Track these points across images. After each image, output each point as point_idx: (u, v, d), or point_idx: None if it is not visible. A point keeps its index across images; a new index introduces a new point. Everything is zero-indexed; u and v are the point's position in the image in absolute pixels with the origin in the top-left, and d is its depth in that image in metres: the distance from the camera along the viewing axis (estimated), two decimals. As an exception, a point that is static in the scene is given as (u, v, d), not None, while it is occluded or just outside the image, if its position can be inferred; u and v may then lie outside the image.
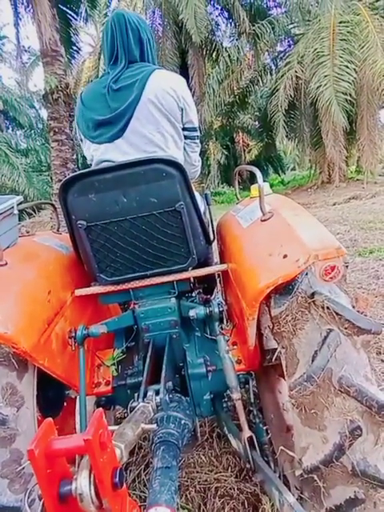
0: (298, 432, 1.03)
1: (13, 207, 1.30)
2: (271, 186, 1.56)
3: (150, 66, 1.34)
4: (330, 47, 8.86)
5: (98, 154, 1.37)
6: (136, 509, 0.72)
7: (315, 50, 9.08)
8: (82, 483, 0.61)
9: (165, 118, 1.32)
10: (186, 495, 1.44)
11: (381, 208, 6.54)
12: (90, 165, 1.46)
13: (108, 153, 1.34)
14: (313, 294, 0.98)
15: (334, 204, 8.51)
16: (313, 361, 0.96)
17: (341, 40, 8.86)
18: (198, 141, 1.55)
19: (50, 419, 0.65)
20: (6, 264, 1.17)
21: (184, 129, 1.44)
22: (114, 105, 1.29)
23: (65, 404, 1.53)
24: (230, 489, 1.44)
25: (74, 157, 6.80)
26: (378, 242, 4.46)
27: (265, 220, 1.18)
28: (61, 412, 1.49)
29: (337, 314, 0.95)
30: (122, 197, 1.18)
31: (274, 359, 1.37)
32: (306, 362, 0.98)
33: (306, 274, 0.98)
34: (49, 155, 15.21)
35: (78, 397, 1.42)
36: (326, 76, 8.76)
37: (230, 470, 1.53)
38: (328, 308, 0.96)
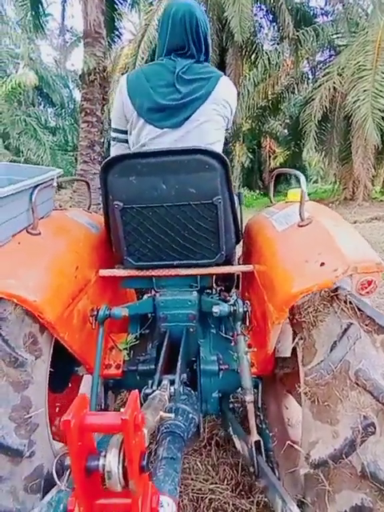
0: (308, 426, 1.00)
1: (53, 179, 1.32)
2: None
3: (216, 71, 1.40)
4: (373, 62, 8.65)
5: (151, 136, 1.35)
6: (156, 495, 0.72)
7: (358, 62, 8.89)
8: (112, 461, 0.61)
9: (221, 121, 1.40)
10: (179, 502, 1.41)
11: (404, 232, 6.39)
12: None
13: (165, 138, 1.34)
14: (336, 289, 0.97)
15: (355, 222, 8.31)
16: (331, 351, 0.94)
17: (386, 55, 8.66)
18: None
19: (85, 394, 0.66)
20: (40, 234, 1.19)
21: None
22: (184, 90, 1.30)
23: (72, 381, 1.54)
24: (225, 503, 1.38)
25: (102, 140, 6.82)
26: (399, 266, 4.34)
27: (303, 226, 1.15)
28: (66, 388, 1.50)
29: (359, 309, 0.94)
30: (161, 183, 1.18)
31: (283, 367, 1.39)
32: (325, 351, 0.96)
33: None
34: (76, 135, 15.31)
35: (84, 375, 1.46)
36: (365, 91, 8.57)
37: (226, 482, 1.48)
38: (350, 303, 0.95)
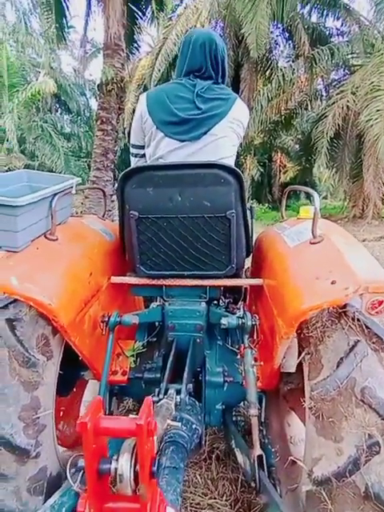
0: (312, 442, 0.98)
1: (72, 187, 1.36)
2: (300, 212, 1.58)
3: (233, 93, 1.48)
4: (387, 82, 8.72)
5: (169, 149, 1.39)
6: (164, 502, 0.73)
7: (372, 82, 8.94)
8: (124, 465, 0.62)
9: (235, 139, 1.46)
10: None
11: (413, 253, 6.32)
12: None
13: (184, 150, 1.38)
14: (345, 305, 0.97)
15: (364, 240, 8.25)
16: (337, 367, 0.94)
17: (400, 77, 8.70)
18: None
19: (100, 397, 0.67)
20: (57, 239, 1.23)
21: None
22: (204, 107, 1.36)
23: (78, 385, 1.56)
24: (224, 519, 1.34)
25: (115, 148, 6.95)
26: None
27: (315, 243, 1.16)
28: (71, 392, 1.52)
29: (367, 327, 0.94)
30: (177, 195, 1.21)
31: (289, 382, 1.37)
32: (331, 367, 0.96)
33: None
34: (90, 142, 15.56)
35: (89, 380, 1.46)
36: (378, 110, 8.59)
37: (224, 497, 1.46)
38: (358, 320, 0.95)
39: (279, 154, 18.24)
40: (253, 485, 1.15)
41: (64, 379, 1.29)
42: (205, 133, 1.36)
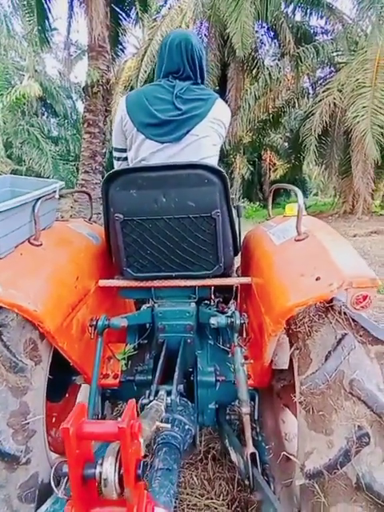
0: (303, 436, 0.99)
1: (55, 191, 1.35)
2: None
3: (213, 93, 1.48)
4: (372, 79, 8.80)
5: (151, 150, 1.38)
6: (151, 504, 0.73)
7: (357, 80, 9.04)
8: (108, 469, 0.62)
9: (216, 138, 1.45)
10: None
11: (403, 247, 6.39)
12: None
13: (165, 152, 1.38)
14: (331, 300, 0.99)
15: (355, 235, 8.34)
16: (326, 361, 0.96)
17: (384, 73, 8.80)
18: None
19: (83, 402, 0.68)
20: (41, 245, 1.22)
21: None
22: (184, 107, 1.35)
23: (70, 390, 1.55)
24: (221, 520, 1.33)
25: (103, 150, 6.88)
26: (398, 281, 4.33)
27: (299, 240, 1.17)
28: (63, 397, 1.51)
29: (353, 320, 0.96)
30: (162, 196, 1.21)
31: (281, 379, 1.38)
32: (319, 361, 0.98)
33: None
34: (78, 146, 15.45)
35: (82, 385, 1.46)
36: (364, 107, 8.69)
37: (221, 497, 1.44)
38: (345, 314, 0.97)
39: (269, 152, 18.33)
40: (246, 483, 1.15)
41: (55, 384, 1.27)
42: (186, 133, 1.36)
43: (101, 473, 0.63)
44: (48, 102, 18.75)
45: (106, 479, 0.62)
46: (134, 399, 0.68)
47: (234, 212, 1.60)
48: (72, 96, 20.37)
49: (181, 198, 1.21)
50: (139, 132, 1.39)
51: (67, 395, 1.54)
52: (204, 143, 1.40)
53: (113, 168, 1.38)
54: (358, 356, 0.94)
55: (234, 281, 1.53)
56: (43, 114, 19.80)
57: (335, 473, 0.89)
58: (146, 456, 1.58)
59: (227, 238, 1.35)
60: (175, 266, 1.33)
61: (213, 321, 1.30)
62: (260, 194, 18.62)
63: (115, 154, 1.61)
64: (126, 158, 1.55)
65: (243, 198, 18.15)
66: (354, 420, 0.89)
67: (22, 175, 16.09)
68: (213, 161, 1.46)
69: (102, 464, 0.63)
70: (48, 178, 15.10)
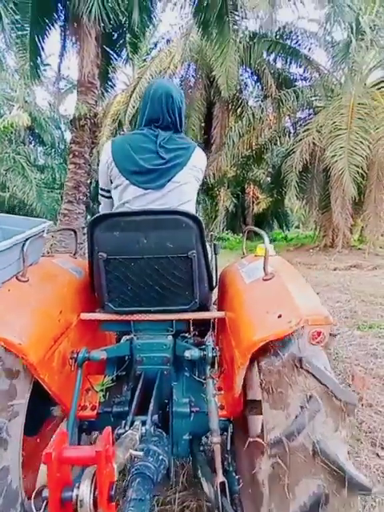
0: (267, 418, 1.09)
1: (43, 231, 1.45)
2: (274, 240, 1.76)
3: (192, 142, 1.61)
4: (347, 123, 9.34)
5: (135, 195, 1.48)
6: None
7: (334, 122, 9.59)
8: (84, 491, 0.66)
9: (195, 183, 1.58)
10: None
11: (382, 282, 6.51)
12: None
13: (148, 197, 1.48)
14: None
15: (335, 269, 8.50)
16: (283, 346, 1.07)
17: (358, 118, 9.34)
18: None
19: (64, 429, 0.74)
20: (28, 280, 1.28)
21: None
22: (167, 157, 1.47)
23: (45, 424, 1.56)
24: None
25: (88, 181, 6.88)
26: (378, 317, 4.37)
27: (266, 280, 1.28)
28: (39, 430, 1.52)
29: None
30: (143, 238, 1.31)
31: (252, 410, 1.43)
32: (276, 351, 1.08)
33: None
34: (64, 174, 15.55)
35: (59, 417, 1.50)
36: (341, 147, 9.16)
37: None
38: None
39: (252, 186, 18.90)
40: None
41: (33, 419, 1.27)
42: (168, 181, 1.47)
43: (77, 495, 0.67)
44: (36, 131, 19.00)
45: (82, 500, 0.66)
46: (109, 427, 0.72)
47: (211, 250, 1.75)
48: (61, 127, 20.76)
49: (160, 240, 1.31)
50: (124, 178, 1.49)
51: (45, 426, 1.56)
52: (184, 189, 1.52)
53: (97, 198, 1.57)
54: (305, 343, 1.07)
55: (208, 315, 1.61)
56: (30, 143, 19.97)
57: (293, 440, 1.00)
58: (119, 482, 1.58)
59: (202, 275, 1.44)
60: (154, 301, 1.41)
61: (187, 354, 1.38)
62: (243, 226, 18.95)
63: (101, 192, 1.73)
64: (111, 197, 1.65)
65: (227, 230, 18.46)
66: (305, 391, 1.03)
67: (4, 202, 15.95)
68: (192, 203, 1.58)
69: (78, 487, 0.68)
70: (31, 205, 15.01)
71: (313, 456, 0.98)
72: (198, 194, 1.81)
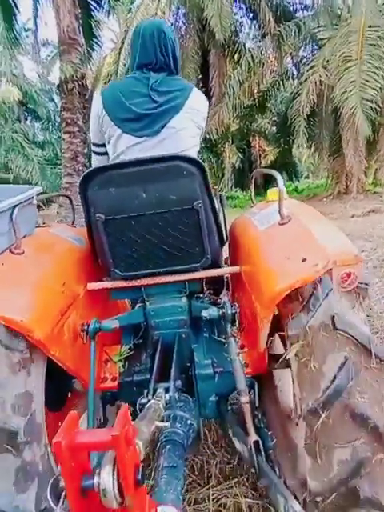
0: (299, 385, 1.03)
1: (32, 197, 1.34)
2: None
3: (188, 83, 1.49)
4: (358, 52, 8.49)
5: (129, 145, 1.38)
6: (154, 509, 0.71)
7: (342, 54, 8.73)
8: (106, 479, 0.61)
9: (195, 129, 1.45)
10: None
11: (407, 225, 6.15)
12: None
13: (143, 145, 1.37)
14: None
15: (353, 216, 8.13)
16: (313, 308, 0.99)
17: (370, 44, 8.49)
18: None
19: (75, 412, 0.66)
20: (23, 253, 1.20)
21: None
22: (160, 100, 1.35)
23: (70, 397, 1.54)
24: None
25: (85, 150, 6.60)
26: (410, 263, 4.10)
27: (283, 224, 1.19)
28: (64, 405, 1.50)
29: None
30: (141, 192, 1.20)
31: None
32: (307, 311, 1.00)
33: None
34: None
35: (81, 390, 1.44)
36: (351, 82, 8.41)
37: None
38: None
39: (257, 138, 18.11)
40: (253, 471, 1.19)
41: (55, 395, 1.27)
42: (163, 126, 1.36)
43: (99, 483, 0.62)
44: (30, 106, 18.41)
45: (105, 489, 0.61)
46: (126, 404, 0.67)
47: (217, 202, 1.59)
48: (54, 98, 20.00)
49: (161, 192, 1.20)
50: (116, 127, 1.39)
51: (70, 400, 1.53)
52: (182, 135, 1.39)
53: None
54: (335, 299, 0.99)
55: (222, 271, 1.53)
56: (26, 119, 19.47)
57: (330, 406, 0.94)
58: (149, 455, 1.64)
59: (212, 228, 1.35)
60: (162, 262, 1.32)
61: (204, 313, 1.31)
62: (252, 182, 18.40)
63: (94, 149, 1.58)
64: (103, 154, 1.54)
65: (235, 188, 17.96)
66: (340, 352, 0.95)
67: (8, 183, 15.90)
68: (192, 153, 1.45)
69: (99, 474, 0.62)
70: (36, 184, 14.88)
71: (352, 420, 0.92)
72: (202, 150, 1.74)
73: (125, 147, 1.38)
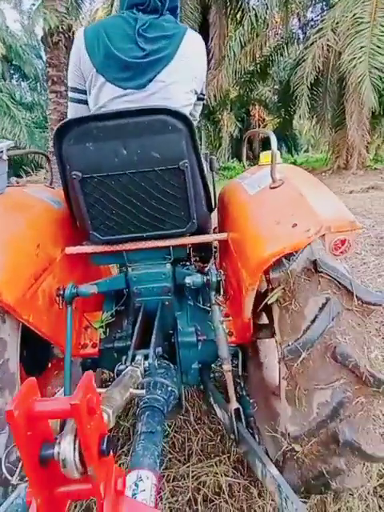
0: (280, 329, 1.05)
1: (2, 151, 1.24)
2: None
3: (181, 25, 1.31)
4: (371, 13, 7.87)
5: (112, 96, 1.25)
6: (122, 477, 0.70)
7: (354, 15, 8.09)
8: (66, 448, 0.60)
9: (190, 83, 1.31)
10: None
11: (406, 202, 5.98)
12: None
13: (128, 98, 1.24)
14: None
15: (351, 192, 7.92)
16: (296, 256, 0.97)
17: (386, 5, 7.87)
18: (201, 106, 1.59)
19: (33, 378, 0.63)
20: None
21: (201, 94, 1.45)
22: (148, 48, 1.21)
23: (50, 364, 1.52)
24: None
25: (74, 112, 6.13)
26: (409, 241, 3.99)
27: (274, 187, 1.14)
28: (44, 371, 1.48)
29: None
30: (121, 148, 1.10)
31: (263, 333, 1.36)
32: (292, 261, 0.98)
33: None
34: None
35: (62, 357, 1.40)
36: (361, 47, 7.86)
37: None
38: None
39: (257, 106, 17.40)
40: (232, 437, 1.21)
41: (35, 359, 1.27)
42: (150, 80, 1.22)
43: (59, 453, 0.60)
44: (15, 63, 17.18)
45: (65, 459, 0.59)
46: (91, 371, 0.65)
47: (206, 165, 1.53)
48: (42, 56, 18.67)
49: (143, 148, 1.10)
50: (99, 74, 1.24)
51: (52, 366, 1.51)
52: (173, 90, 1.26)
53: None
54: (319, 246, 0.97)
55: (209, 237, 1.47)
56: (12, 78, 18.28)
57: (310, 346, 0.94)
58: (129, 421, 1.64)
59: (199, 191, 1.27)
60: (145, 226, 1.24)
61: (188, 280, 1.29)
62: (250, 153, 17.86)
63: (71, 95, 1.40)
64: (81, 101, 1.37)
65: (233, 158, 17.42)
66: (320, 294, 0.95)
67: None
68: (186, 110, 1.31)
69: (59, 443, 0.61)
70: (24, 148, 14.16)
71: (333, 361, 0.94)
72: (200, 115, 1.56)
73: (107, 99, 1.25)
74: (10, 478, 0.71)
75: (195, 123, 1.49)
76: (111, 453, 0.65)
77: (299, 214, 0.99)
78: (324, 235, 0.94)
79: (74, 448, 0.60)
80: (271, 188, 1.14)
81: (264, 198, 1.17)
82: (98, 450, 0.62)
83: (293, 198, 1.06)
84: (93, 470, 0.61)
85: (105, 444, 0.63)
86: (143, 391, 0.96)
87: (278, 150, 1.18)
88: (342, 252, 0.96)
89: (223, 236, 1.41)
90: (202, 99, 1.51)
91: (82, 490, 0.65)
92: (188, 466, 1.44)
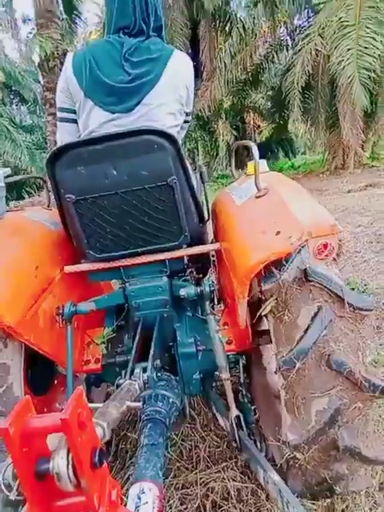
0: (276, 337, 1.06)
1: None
2: (281, 170, 1.52)
3: (168, 47, 1.33)
4: (356, 16, 8.02)
5: (101, 121, 1.28)
6: (116, 488, 0.72)
7: (339, 19, 8.25)
8: (59, 463, 0.61)
9: (175, 105, 1.33)
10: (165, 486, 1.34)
11: (404, 198, 6.01)
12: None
13: (116, 123, 1.27)
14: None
15: (349, 191, 7.95)
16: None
17: (369, 7, 8.00)
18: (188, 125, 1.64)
19: (28, 397, 0.66)
20: None
21: (186, 114, 1.46)
22: (133, 73, 1.23)
23: (55, 381, 1.55)
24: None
25: (72, 132, 6.31)
26: (407, 238, 3.99)
27: (259, 197, 1.18)
28: (49, 389, 1.50)
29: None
30: (111, 169, 1.15)
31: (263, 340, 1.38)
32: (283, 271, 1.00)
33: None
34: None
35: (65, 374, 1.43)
36: (349, 49, 7.99)
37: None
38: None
39: (251, 114, 17.53)
40: (234, 444, 1.23)
41: (39, 379, 1.29)
42: (137, 103, 1.25)
43: (53, 467, 0.62)
44: (14, 88, 17.68)
45: (58, 473, 0.61)
46: (80, 387, 0.66)
47: (197, 177, 1.57)
48: (39, 79, 19.20)
49: (132, 168, 1.14)
50: (87, 98, 1.27)
51: (57, 384, 1.54)
52: (159, 112, 1.28)
53: None
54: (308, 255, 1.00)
55: (201, 249, 1.46)
56: (12, 103, 18.77)
57: (305, 355, 0.95)
58: (130, 433, 1.68)
59: (189, 204, 1.30)
60: (139, 242, 1.28)
61: (182, 292, 1.32)
62: (246, 160, 18.00)
63: (60, 115, 1.42)
64: (70, 120, 1.39)
65: (229, 166, 17.53)
66: (314, 302, 0.97)
67: (-3, 170, 15.49)
68: (173, 131, 1.33)
69: (54, 458, 0.62)
70: (25, 170, 14.47)
71: (328, 368, 0.95)
72: (194, 128, 1.62)
73: (97, 124, 1.29)
74: (8, 494, 0.69)
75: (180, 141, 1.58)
76: (105, 465, 0.67)
77: (282, 222, 1.02)
78: (307, 240, 0.96)
79: (68, 461, 0.62)
80: (256, 197, 1.18)
81: (250, 208, 1.21)
82: (91, 462, 0.64)
83: (276, 206, 1.09)
84: (85, 482, 0.62)
85: (97, 456, 0.65)
86: (139, 404, 0.98)
87: (275, 154, 1.25)
88: (326, 255, 0.98)
89: (215, 246, 1.44)
90: (190, 115, 1.54)
91: (77, 503, 0.66)
92: (196, 473, 1.46)
